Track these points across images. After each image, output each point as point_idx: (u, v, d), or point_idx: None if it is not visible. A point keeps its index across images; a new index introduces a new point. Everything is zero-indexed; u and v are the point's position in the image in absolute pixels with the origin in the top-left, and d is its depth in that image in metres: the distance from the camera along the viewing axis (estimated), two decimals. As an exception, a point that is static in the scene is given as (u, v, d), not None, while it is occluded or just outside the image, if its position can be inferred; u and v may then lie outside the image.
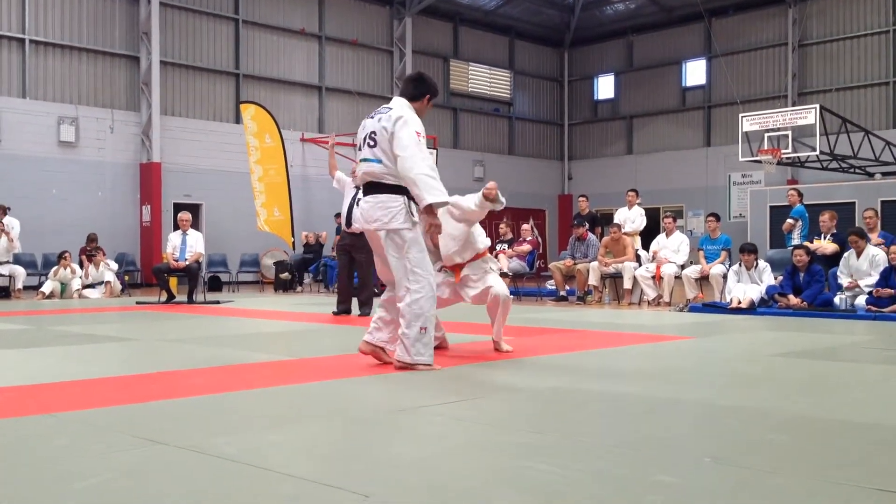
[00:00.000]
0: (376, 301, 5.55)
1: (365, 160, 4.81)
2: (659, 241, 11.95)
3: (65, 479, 2.56)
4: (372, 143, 4.78)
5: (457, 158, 24.25)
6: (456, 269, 5.73)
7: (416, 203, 4.72)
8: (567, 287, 12.76)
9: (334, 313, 9.45)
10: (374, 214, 4.79)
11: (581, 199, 14.84)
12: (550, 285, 13.64)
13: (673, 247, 11.71)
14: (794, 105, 21.34)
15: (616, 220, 12.99)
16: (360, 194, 4.87)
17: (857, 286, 9.51)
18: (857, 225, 11.64)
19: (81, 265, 14.37)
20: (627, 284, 11.79)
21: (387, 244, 4.80)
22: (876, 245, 9.91)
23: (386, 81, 23.07)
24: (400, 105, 4.89)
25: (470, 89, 25.48)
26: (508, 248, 13.59)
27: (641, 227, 13.54)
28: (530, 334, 7.44)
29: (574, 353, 6.04)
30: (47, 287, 13.49)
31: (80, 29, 17.90)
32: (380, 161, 4.76)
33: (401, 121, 4.75)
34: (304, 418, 3.57)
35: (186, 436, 3.13)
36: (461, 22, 24.96)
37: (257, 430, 3.29)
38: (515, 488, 2.44)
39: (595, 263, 12.05)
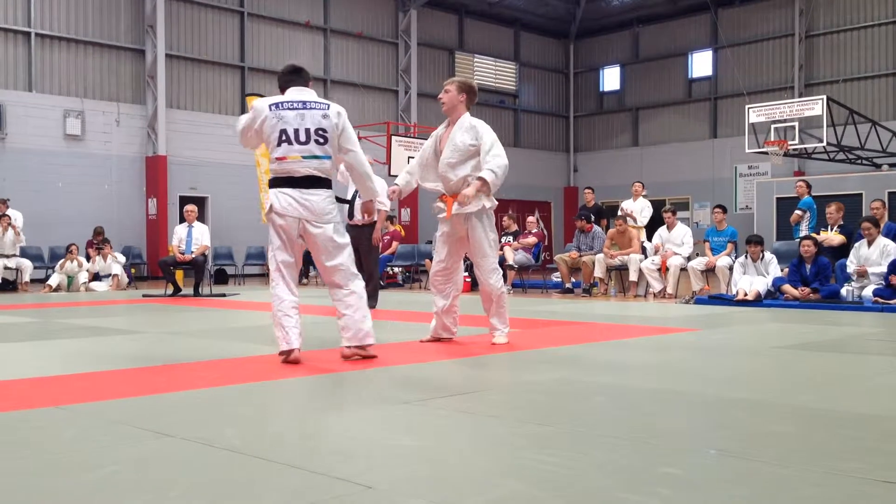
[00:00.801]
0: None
1: (315, 157, 4.85)
2: (661, 235, 11.90)
3: (72, 470, 2.57)
4: (322, 139, 4.85)
5: (462, 151, 24.18)
6: (448, 200, 5.72)
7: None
8: (573, 279, 12.75)
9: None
10: (327, 208, 4.91)
11: (587, 191, 14.82)
12: (556, 278, 13.63)
13: (676, 240, 11.68)
14: (800, 96, 21.25)
15: (621, 207, 12.97)
16: (291, 187, 4.86)
17: (866, 272, 9.43)
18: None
19: (88, 258, 14.41)
20: (633, 277, 11.77)
21: (336, 234, 4.96)
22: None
23: (391, 74, 23.04)
24: (323, 99, 5.05)
25: (475, 81, 25.41)
26: (514, 240, 13.58)
27: (646, 220, 13.51)
28: (536, 326, 7.44)
29: (580, 346, 6.04)
30: (54, 280, 13.53)
31: (85, 22, 17.91)
32: (330, 157, 4.92)
33: (344, 115, 4.99)
34: (309, 410, 3.58)
35: (193, 428, 3.14)
36: (466, 14, 24.90)
37: (263, 423, 3.30)
38: (521, 479, 2.44)
39: (601, 256, 12.04)
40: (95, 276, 14.15)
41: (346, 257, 4.95)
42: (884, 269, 9.35)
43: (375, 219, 8.79)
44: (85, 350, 5.66)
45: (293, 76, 5.07)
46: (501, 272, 5.86)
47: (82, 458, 2.72)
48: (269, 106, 4.90)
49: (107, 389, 4.15)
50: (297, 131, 4.82)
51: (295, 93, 4.97)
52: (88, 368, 4.78)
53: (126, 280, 14.45)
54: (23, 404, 3.73)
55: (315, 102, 4.92)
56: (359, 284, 4.99)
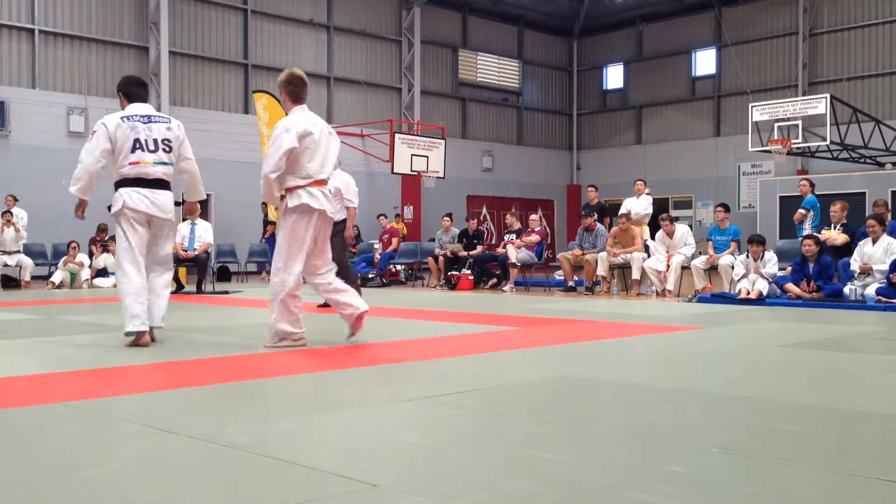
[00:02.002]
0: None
1: (163, 163, 5.74)
2: (664, 242, 11.76)
3: (76, 466, 2.58)
4: (168, 148, 5.76)
5: (465, 148, 24.22)
6: None
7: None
8: (575, 277, 12.74)
9: (320, 305, 8.99)
10: (170, 205, 5.80)
11: (590, 189, 14.81)
12: (559, 276, 13.62)
13: (679, 244, 11.61)
14: (804, 94, 21.22)
15: (623, 209, 12.94)
16: (143, 187, 5.69)
17: (870, 269, 9.40)
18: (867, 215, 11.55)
19: (91, 255, 14.44)
20: (636, 275, 11.76)
21: (170, 228, 5.91)
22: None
23: (394, 71, 23.03)
24: (164, 114, 6.00)
25: (478, 79, 25.41)
26: (517, 238, 13.58)
27: (647, 217, 13.48)
28: (539, 324, 7.44)
29: (582, 344, 6.05)
30: (57, 277, 13.56)
31: (89, 19, 17.93)
32: (172, 164, 5.83)
33: (183, 128, 5.98)
34: (314, 408, 3.58)
35: (197, 425, 3.15)
36: (470, 11, 24.88)
37: (267, 420, 3.30)
38: (524, 477, 2.44)
39: (603, 254, 12.04)
40: (99, 273, 14.17)
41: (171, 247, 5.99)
42: (887, 267, 9.34)
43: (341, 217, 8.72)
44: (88, 346, 5.67)
45: (141, 90, 5.96)
46: (291, 273, 5.48)
47: (86, 454, 2.73)
48: (121, 118, 5.68)
49: (110, 386, 4.16)
50: (146, 141, 5.66)
51: (139, 108, 5.82)
52: (92, 365, 4.79)
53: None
54: (27, 401, 3.74)
55: (158, 116, 5.85)
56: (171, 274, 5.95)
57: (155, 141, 5.68)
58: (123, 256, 5.63)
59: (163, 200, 5.71)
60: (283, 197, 5.54)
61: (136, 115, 5.70)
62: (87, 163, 5.66)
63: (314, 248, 5.68)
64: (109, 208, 5.77)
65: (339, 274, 9.09)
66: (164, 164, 5.73)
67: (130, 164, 5.62)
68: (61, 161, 16.92)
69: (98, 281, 13.92)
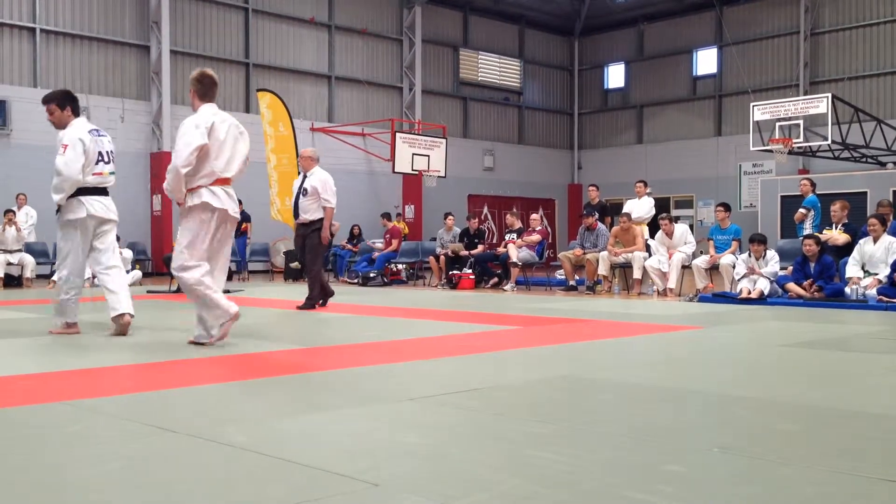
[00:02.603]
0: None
1: (112, 173, 6.37)
2: (664, 242, 11.76)
3: (77, 465, 2.58)
4: (113, 160, 6.36)
5: (467, 148, 24.22)
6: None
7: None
8: (576, 277, 12.74)
9: (299, 307, 8.85)
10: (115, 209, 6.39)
11: (591, 188, 14.80)
12: (560, 275, 13.62)
13: (679, 243, 11.61)
14: (805, 94, 21.20)
15: (626, 212, 12.93)
16: (101, 195, 6.28)
17: (857, 283, 9.39)
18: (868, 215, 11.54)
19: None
20: (637, 274, 11.76)
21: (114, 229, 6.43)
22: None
23: (395, 71, 23.03)
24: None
25: (480, 78, 25.41)
26: (518, 237, 13.58)
27: (648, 217, 13.48)
28: (539, 324, 7.44)
29: (583, 343, 6.05)
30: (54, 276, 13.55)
31: (90, 18, 17.93)
32: (114, 173, 6.39)
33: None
34: (314, 407, 3.58)
35: (197, 424, 3.15)
36: (471, 11, 24.88)
37: (268, 419, 3.30)
38: (525, 477, 2.44)
39: (605, 253, 12.03)
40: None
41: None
42: (887, 267, 9.34)
43: (317, 216, 8.73)
44: (89, 345, 5.68)
45: (78, 105, 6.40)
46: (193, 269, 5.48)
47: (87, 453, 2.73)
48: (88, 132, 6.19)
49: (111, 385, 4.16)
50: (103, 153, 6.26)
51: (87, 122, 6.37)
52: (92, 364, 4.79)
53: (139, 275, 14.55)
54: (27, 400, 3.74)
55: (102, 130, 6.44)
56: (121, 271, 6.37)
57: (108, 153, 6.33)
58: (72, 259, 6.16)
59: (113, 206, 6.41)
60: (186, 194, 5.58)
61: (93, 129, 6.27)
62: (71, 175, 6.02)
63: (217, 249, 5.69)
64: (58, 212, 6.15)
65: (310, 277, 8.97)
66: (113, 173, 6.39)
67: (94, 174, 6.18)
68: (62, 160, 16.95)
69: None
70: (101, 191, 6.27)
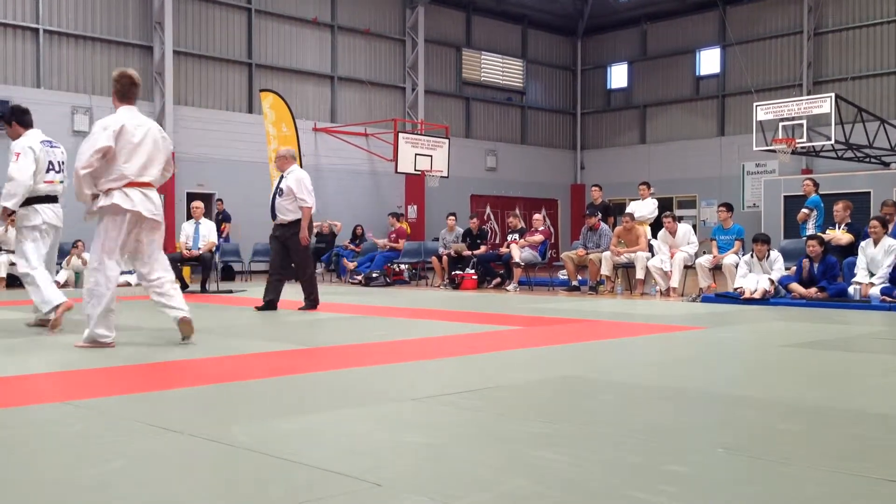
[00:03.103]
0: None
1: (62, 182, 6.80)
2: (667, 241, 11.75)
3: (79, 465, 2.58)
4: (60, 169, 6.76)
5: (469, 148, 24.21)
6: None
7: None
8: (579, 277, 12.73)
9: (257, 308, 8.67)
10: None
11: (594, 188, 14.79)
12: (562, 275, 13.61)
13: (682, 242, 11.61)
14: (809, 94, 21.17)
15: (629, 212, 12.92)
16: (52, 203, 6.70)
17: (867, 293, 9.40)
18: (871, 215, 11.53)
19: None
20: (640, 274, 11.75)
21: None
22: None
23: (398, 71, 23.03)
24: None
25: (482, 78, 25.40)
26: (520, 237, 13.58)
27: (652, 218, 13.46)
28: (542, 324, 7.44)
29: (586, 343, 6.04)
30: (61, 276, 13.57)
31: (93, 18, 17.95)
32: (63, 182, 6.76)
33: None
34: (316, 407, 3.58)
35: (199, 424, 3.15)
36: (474, 11, 24.87)
37: (270, 419, 3.31)
38: (527, 477, 2.44)
39: (607, 253, 12.02)
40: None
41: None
42: (885, 269, 9.33)
43: (294, 217, 8.59)
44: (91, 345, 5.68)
45: (30, 118, 6.85)
46: (107, 274, 5.47)
47: (89, 452, 2.74)
48: (41, 143, 6.63)
49: (113, 385, 4.16)
50: (54, 163, 6.70)
51: (40, 134, 6.77)
52: (95, 364, 4.80)
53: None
54: (31, 399, 3.75)
55: (56, 142, 6.91)
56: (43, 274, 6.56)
57: (59, 163, 6.75)
58: (32, 255, 6.54)
59: (61, 212, 6.82)
60: (96, 197, 5.57)
61: (45, 141, 6.70)
62: (23, 181, 6.38)
63: (139, 252, 5.65)
64: (9, 216, 6.48)
65: (306, 280, 8.69)
66: (63, 182, 6.78)
67: (46, 182, 6.60)
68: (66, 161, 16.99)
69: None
70: (53, 199, 6.69)
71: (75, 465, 2.58)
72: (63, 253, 14.64)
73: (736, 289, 10.02)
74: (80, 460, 2.64)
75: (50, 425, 3.16)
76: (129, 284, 13.98)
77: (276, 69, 20.64)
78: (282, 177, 8.81)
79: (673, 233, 11.63)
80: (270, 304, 8.65)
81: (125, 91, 5.75)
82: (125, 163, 5.47)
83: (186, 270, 12.94)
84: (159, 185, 5.76)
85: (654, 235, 12.98)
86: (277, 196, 8.70)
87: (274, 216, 8.78)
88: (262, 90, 19.16)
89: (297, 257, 8.76)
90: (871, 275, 9.61)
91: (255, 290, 12.82)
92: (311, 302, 8.79)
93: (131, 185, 5.50)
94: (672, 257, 11.47)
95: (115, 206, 5.46)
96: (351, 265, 15.35)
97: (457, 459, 2.67)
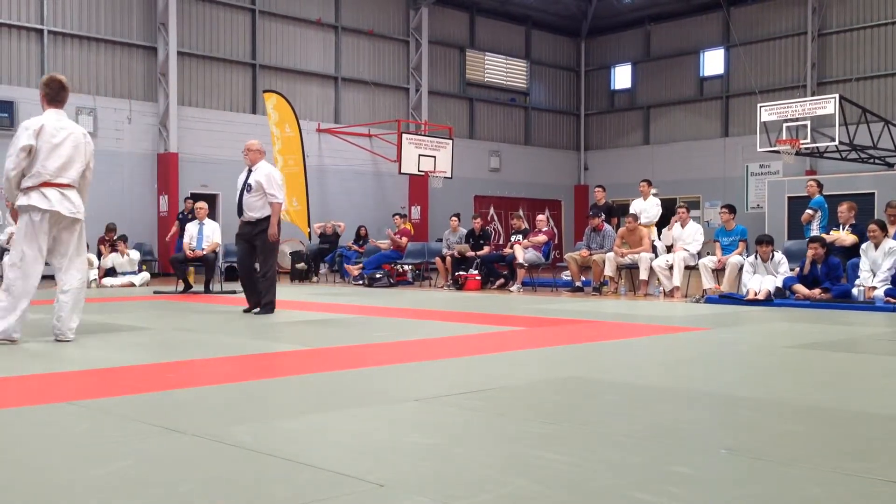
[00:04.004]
0: None
1: None
2: (676, 233, 11.87)
3: (84, 465, 2.59)
4: None
5: (473, 149, 24.22)
6: None
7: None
8: (583, 278, 12.73)
9: (245, 311, 8.47)
10: None
11: (597, 189, 14.78)
12: (566, 276, 13.60)
13: (688, 238, 11.65)
14: (813, 95, 21.15)
15: (632, 211, 12.94)
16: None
17: (871, 294, 9.39)
18: (876, 216, 11.53)
19: (100, 255, 14.50)
20: (643, 275, 11.74)
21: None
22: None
23: (402, 72, 23.04)
24: None
25: (486, 79, 25.40)
26: (524, 238, 13.57)
27: (656, 218, 13.47)
28: (545, 325, 7.44)
29: (589, 344, 6.04)
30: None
31: (97, 19, 17.99)
32: None
33: None
34: (320, 408, 3.59)
35: (203, 424, 3.16)
36: (477, 12, 24.88)
37: (274, 419, 3.31)
38: (530, 478, 2.44)
39: (611, 254, 12.02)
40: (107, 273, 14.23)
41: None
42: (890, 271, 9.32)
43: (264, 214, 8.21)
44: (95, 346, 5.69)
45: None
46: (26, 272, 5.59)
47: (94, 452, 2.74)
48: None
49: (118, 385, 4.17)
50: None
51: None
52: (100, 364, 4.81)
53: (147, 276, 14.63)
54: (36, 400, 3.75)
55: None
56: None
57: None
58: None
59: None
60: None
61: None
62: None
63: (57, 251, 5.75)
64: None
65: (267, 280, 8.27)
66: None
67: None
68: (70, 161, 17.02)
69: (106, 281, 13.97)
70: None
71: (81, 466, 2.59)
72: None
73: (746, 292, 9.99)
74: (86, 460, 2.65)
75: (55, 426, 3.17)
76: (132, 285, 14.00)
77: (280, 70, 20.67)
78: (249, 171, 8.36)
79: (684, 224, 11.70)
80: (259, 303, 8.38)
81: (54, 95, 5.84)
82: (43, 162, 5.57)
83: (191, 271, 12.96)
84: (84, 187, 5.86)
85: (660, 236, 12.99)
86: (245, 192, 8.29)
87: (241, 213, 8.38)
88: (265, 91, 19.19)
89: (264, 255, 8.33)
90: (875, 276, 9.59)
91: (259, 291, 12.83)
92: (268, 306, 8.25)
93: (48, 184, 5.59)
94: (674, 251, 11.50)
95: (32, 206, 5.58)
96: (355, 271, 15.32)
97: (459, 460, 2.67)
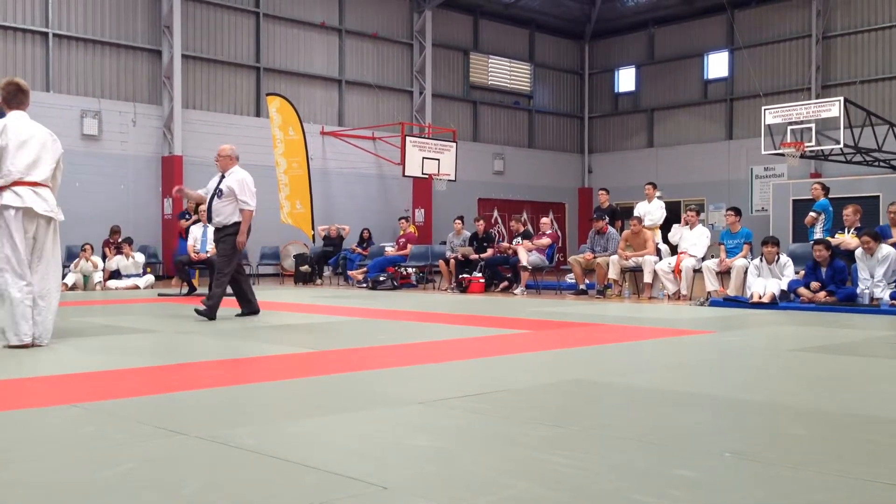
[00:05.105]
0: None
1: None
2: (682, 235, 11.87)
3: (89, 467, 2.59)
4: None
5: (476, 151, 24.22)
6: None
7: None
8: (587, 281, 12.72)
9: (238, 315, 8.31)
10: None
11: (601, 192, 14.78)
12: (570, 279, 13.60)
13: (693, 240, 11.66)
14: (817, 97, 21.11)
15: (636, 214, 12.94)
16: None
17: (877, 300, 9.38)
18: (881, 218, 11.48)
19: (104, 257, 14.53)
20: (647, 278, 11.74)
21: None
22: (893, 244, 9.73)
23: (405, 75, 23.06)
24: None
25: (490, 82, 25.41)
26: (525, 240, 13.57)
27: (660, 221, 13.46)
28: (549, 328, 7.43)
29: (594, 347, 6.03)
30: (70, 279, 13.63)
31: (102, 23, 18.03)
32: None
33: None
34: (325, 410, 3.59)
35: (208, 427, 3.16)
36: (481, 15, 24.89)
37: (278, 422, 3.31)
38: (534, 481, 2.44)
39: (615, 257, 12.01)
40: (112, 275, 14.26)
41: None
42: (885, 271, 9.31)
43: (234, 220, 7.97)
44: (100, 348, 5.70)
45: None
46: (9, 273, 5.55)
47: (98, 455, 2.74)
48: None
49: (123, 388, 4.18)
50: None
51: None
52: (105, 367, 4.81)
53: (152, 279, 14.67)
54: (40, 402, 3.76)
55: None
56: None
57: None
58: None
59: None
60: None
61: None
62: None
63: (33, 252, 5.71)
64: None
65: (218, 282, 7.92)
66: None
67: None
68: (75, 164, 17.04)
69: (111, 283, 14.00)
70: None
71: (86, 468, 2.59)
72: (73, 256, 14.73)
73: (751, 295, 9.96)
74: (90, 463, 2.65)
75: (59, 428, 3.17)
76: (137, 287, 14.03)
77: (284, 73, 20.69)
78: (222, 177, 8.12)
79: (692, 226, 11.72)
80: (252, 308, 8.30)
81: (11, 98, 5.90)
82: (12, 160, 5.60)
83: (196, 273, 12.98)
84: (54, 186, 5.86)
85: (664, 238, 12.98)
86: (216, 198, 8.03)
87: (210, 220, 8.16)
88: (268, 94, 19.21)
89: (220, 259, 8.05)
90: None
91: (263, 294, 12.84)
92: (209, 309, 7.85)
93: (19, 183, 5.62)
94: (678, 263, 11.45)
95: (5, 205, 5.59)
96: (359, 275, 15.32)
97: (463, 463, 2.67)
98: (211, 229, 12.46)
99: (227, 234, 7.99)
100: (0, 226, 5.63)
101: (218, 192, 8.04)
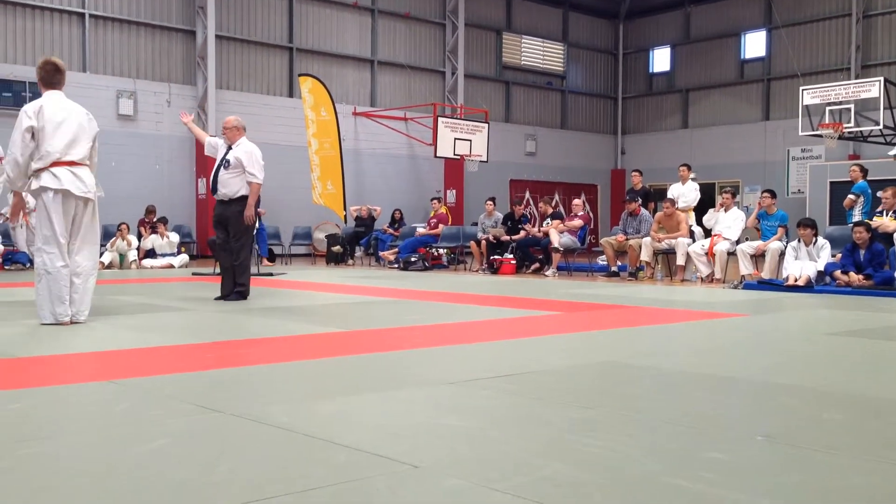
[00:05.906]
0: None
1: None
2: (717, 217, 11.75)
3: (123, 443, 2.63)
4: None
5: (509, 132, 24.10)
6: None
7: None
8: (619, 263, 12.65)
9: (217, 298, 7.84)
10: None
11: (634, 174, 14.65)
12: (602, 261, 13.52)
13: (728, 222, 11.52)
14: (857, 78, 20.71)
15: (670, 196, 12.82)
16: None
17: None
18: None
19: (140, 236, 14.71)
20: (680, 261, 11.63)
21: None
22: None
23: (438, 55, 22.98)
24: None
25: (523, 62, 25.23)
26: (556, 220, 13.50)
27: (694, 203, 13.32)
28: (581, 310, 7.40)
29: (625, 329, 6.00)
30: (106, 258, 13.82)
31: (138, 3, 18.16)
32: None
33: None
34: (356, 389, 3.61)
35: (241, 404, 3.20)
36: (514, -6, 24.70)
37: (310, 401, 3.34)
38: (566, 461, 2.44)
39: (647, 239, 11.92)
40: (147, 254, 14.43)
41: None
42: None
43: (242, 193, 7.70)
44: (136, 326, 5.78)
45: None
46: (51, 254, 5.63)
47: (133, 431, 2.79)
48: None
49: (157, 365, 4.23)
50: None
51: None
52: (140, 344, 4.88)
53: (186, 258, 14.84)
54: (76, 378, 3.83)
55: None
56: None
57: None
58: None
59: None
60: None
61: None
62: None
63: (70, 231, 5.76)
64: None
65: (240, 264, 7.67)
66: None
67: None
68: (111, 144, 17.22)
69: (146, 262, 14.18)
70: None
71: (121, 444, 2.63)
72: (108, 235, 14.93)
73: (786, 277, 9.84)
74: (125, 438, 2.69)
75: (95, 404, 3.22)
76: (171, 266, 14.19)
77: (317, 53, 20.71)
78: (229, 148, 7.80)
79: (727, 208, 11.61)
80: (239, 291, 7.86)
81: (49, 78, 5.90)
82: (50, 141, 5.61)
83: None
84: (92, 165, 5.89)
85: (699, 221, 12.84)
86: (222, 168, 7.73)
87: (215, 191, 7.81)
88: (300, 75, 19.25)
89: (237, 237, 7.79)
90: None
91: (295, 273, 12.94)
92: (240, 292, 7.76)
93: (58, 164, 5.64)
94: (712, 246, 11.33)
95: (44, 187, 5.63)
96: (391, 256, 15.36)
97: (495, 443, 2.67)
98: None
99: (237, 211, 7.71)
100: (39, 207, 5.73)
101: (224, 163, 7.75)
